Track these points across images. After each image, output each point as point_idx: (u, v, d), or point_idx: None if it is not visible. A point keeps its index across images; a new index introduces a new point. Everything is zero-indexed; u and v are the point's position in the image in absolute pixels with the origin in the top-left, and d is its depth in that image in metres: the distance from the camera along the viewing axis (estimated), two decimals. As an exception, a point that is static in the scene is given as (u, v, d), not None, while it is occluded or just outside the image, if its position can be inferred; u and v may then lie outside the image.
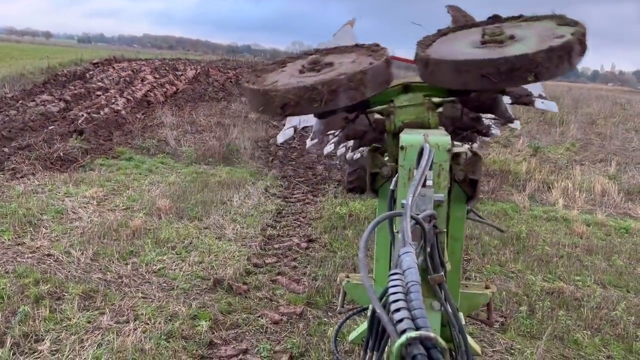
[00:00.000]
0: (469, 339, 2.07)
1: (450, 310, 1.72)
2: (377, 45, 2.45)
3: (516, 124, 4.78)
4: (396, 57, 10.65)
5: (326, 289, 5.20)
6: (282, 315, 4.65)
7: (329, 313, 4.79)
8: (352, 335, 2.88)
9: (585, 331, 4.73)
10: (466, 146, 2.83)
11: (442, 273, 1.68)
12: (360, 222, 7.40)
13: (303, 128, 4.50)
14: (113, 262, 5.39)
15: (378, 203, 2.38)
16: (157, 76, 22.27)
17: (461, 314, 2.25)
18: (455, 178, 2.15)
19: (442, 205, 1.85)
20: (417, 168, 1.74)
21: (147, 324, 4.26)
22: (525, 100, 2.64)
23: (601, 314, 5.04)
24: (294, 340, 4.21)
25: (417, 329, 0.94)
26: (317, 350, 4.09)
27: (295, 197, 8.80)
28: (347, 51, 2.54)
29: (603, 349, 4.48)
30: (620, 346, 4.55)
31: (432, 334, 0.91)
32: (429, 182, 1.74)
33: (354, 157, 9.11)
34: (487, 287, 2.76)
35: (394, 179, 2.01)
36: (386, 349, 1.74)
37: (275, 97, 2.11)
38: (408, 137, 1.94)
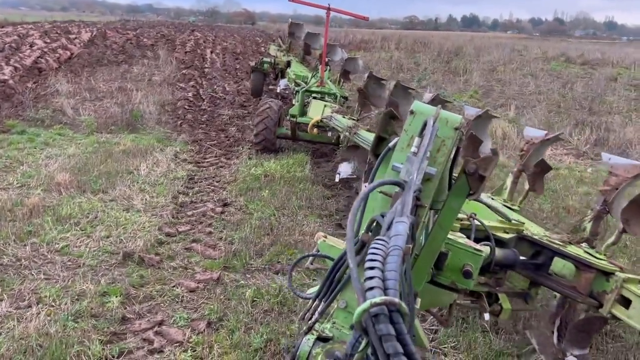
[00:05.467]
0: (420, 330, 2.08)
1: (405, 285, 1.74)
2: None
3: None
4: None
5: (243, 251, 5.13)
6: (198, 283, 4.54)
7: (246, 275, 4.74)
8: (311, 290, 2.88)
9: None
10: None
11: (410, 245, 1.67)
12: (276, 181, 7.33)
13: None
14: (9, 244, 4.98)
15: (375, 167, 2.37)
16: (48, 40, 20.52)
17: (419, 301, 2.25)
18: (466, 169, 2.08)
19: (432, 180, 1.80)
20: (419, 136, 1.72)
21: (52, 306, 4.00)
22: None
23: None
24: (212, 306, 4.14)
25: (385, 290, 0.94)
26: (236, 313, 4.05)
27: (207, 162, 8.54)
28: None
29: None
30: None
31: (396, 300, 0.90)
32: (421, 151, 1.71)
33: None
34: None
35: (395, 140, 1.96)
36: (334, 303, 1.73)
37: None
38: (420, 105, 1.90)
